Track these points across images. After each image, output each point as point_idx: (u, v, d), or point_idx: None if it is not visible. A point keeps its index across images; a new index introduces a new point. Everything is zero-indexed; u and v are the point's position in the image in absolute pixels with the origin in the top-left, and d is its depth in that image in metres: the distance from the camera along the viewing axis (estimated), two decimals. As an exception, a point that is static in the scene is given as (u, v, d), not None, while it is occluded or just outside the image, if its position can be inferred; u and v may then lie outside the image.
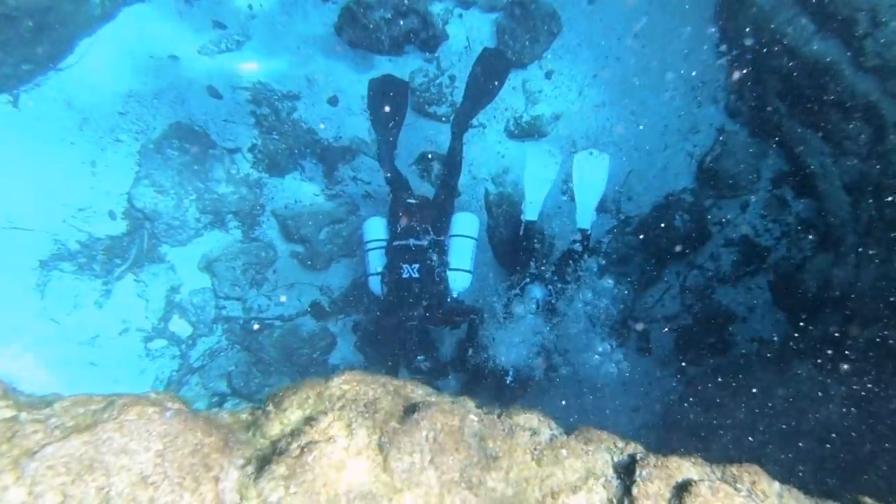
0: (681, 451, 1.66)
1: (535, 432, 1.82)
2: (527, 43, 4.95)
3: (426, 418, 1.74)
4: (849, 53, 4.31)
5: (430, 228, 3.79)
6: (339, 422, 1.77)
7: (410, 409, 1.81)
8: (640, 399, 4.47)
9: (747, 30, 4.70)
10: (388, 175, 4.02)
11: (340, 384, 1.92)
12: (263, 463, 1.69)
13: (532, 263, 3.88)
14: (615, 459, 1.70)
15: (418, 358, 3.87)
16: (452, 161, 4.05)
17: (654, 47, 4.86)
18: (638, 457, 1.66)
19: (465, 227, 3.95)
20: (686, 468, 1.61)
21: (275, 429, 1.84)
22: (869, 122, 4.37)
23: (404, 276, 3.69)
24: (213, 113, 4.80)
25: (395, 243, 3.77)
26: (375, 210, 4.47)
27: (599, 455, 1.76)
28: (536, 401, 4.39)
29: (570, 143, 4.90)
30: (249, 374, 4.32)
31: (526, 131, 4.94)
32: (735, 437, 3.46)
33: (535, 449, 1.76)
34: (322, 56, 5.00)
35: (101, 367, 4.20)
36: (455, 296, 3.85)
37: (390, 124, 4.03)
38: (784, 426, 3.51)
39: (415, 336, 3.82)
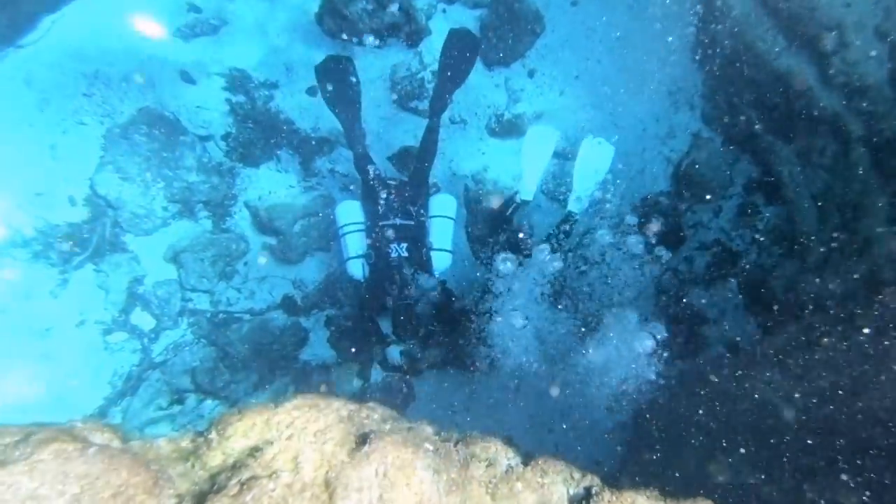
0: (637, 483, 1.55)
1: (491, 462, 1.58)
2: (510, 41, 4.63)
3: (377, 451, 1.44)
4: (817, 70, 4.19)
5: (412, 208, 3.58)
6: (285, 454, 1.46)
7: (362, 439, 1.50)
8: (613, 400, 4.22)
9: (723, 40, 4.50)
10: (359, 156, 3.74)
11: (290, 410, 1.61)
12: (199, 500, 1.36)
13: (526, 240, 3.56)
14: (570, 492, 1.55)
15: (422, 338, 3.63)
16: (427, 140, 3.79)
17: (633, 52, 4.59)
18: (593, 490, 1.52)
19: (444, 208, 3.74)
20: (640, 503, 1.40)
21: (216, 459, 1.52)
22: (835, 136, 4.24)
23: (392, 255, 3.47)
24: (184, 99, 4.33)
25: (381, 223, 3.54)
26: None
27: (555, 488, 1.54)
28: (508, 398, 4.09)
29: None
30: (215, 371, 3.90)
31: (507, 129, 4.63)
32: (698, 452, 3.22)
33: (490, 482, 1.51)
34: (302, 45, 4.57)
35: (54, 360, 3.73)
36: (437, 276, 3.65)
37: (346, 104, 3.75)
38: (744, 435, 3.28)
39: (412, 315, 3.60)
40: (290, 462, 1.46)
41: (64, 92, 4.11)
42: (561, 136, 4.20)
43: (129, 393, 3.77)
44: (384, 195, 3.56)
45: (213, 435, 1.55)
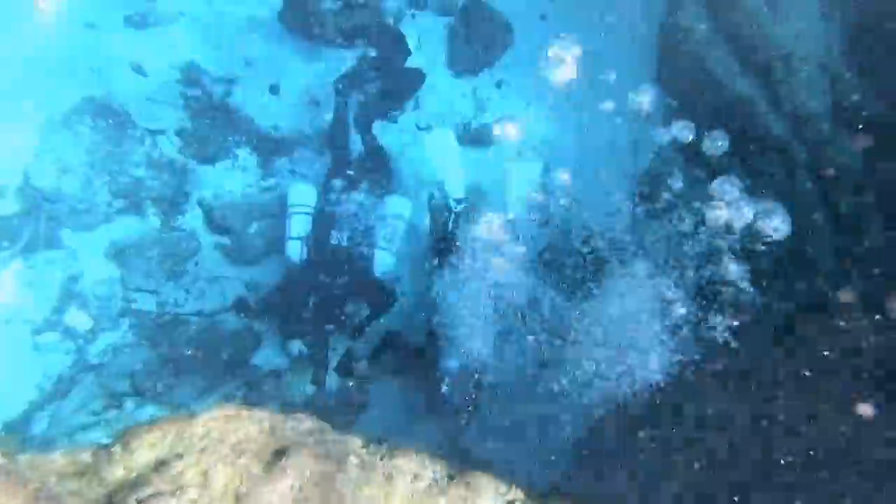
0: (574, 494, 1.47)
1: (416, 477, 1.55)
2: (479, 50, 4.67)
3: (294, 465, 1.39)
4: (768, 96, 4.40)
5: (364, 200, 3.58)
6: (195, 468, 1.39)
7: (281, 451, 1.44)
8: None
9: (684, 63, 4.68)
10: (336, 134, 3.74)
11: (208, 420, 1.53)
12: (92, 522, 1.27)
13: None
14: (494, 507, 1.50)
15: (328, 327, 3.55)
16: (372, 148, 3.84)
17: (600, 67, 4.72)
18: (517, 504, 1.38)
19: (397, 209, 3.71)
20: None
21: (116, 475, 1.42)
22: (783, 162, 4.45)
23: (332, 241, 3.43)
24: (135, 90, 4.13)
25: (327, 208, 3.48)
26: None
27: (479, 502, 1.50)
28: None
29: (516, 153, 4.67)
30: (157, 374, 3.70)
31: (474, 138, 4.65)
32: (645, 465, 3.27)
33: (412, 496, 1.47)
34: (262, 41, 4.46)
35: (-27, 361, 3.44)
36: (378, 274, 3.58)
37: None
38: (682, 457, 3.33)
39: (336, 303, 3.51)
40: (199, 476, 1.39)
41: (-1, 75, 3.87)
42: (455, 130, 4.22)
43: (59, 396, 3.54)
44: (341, 182, 3.53)
45: (117, 447, 1.45)
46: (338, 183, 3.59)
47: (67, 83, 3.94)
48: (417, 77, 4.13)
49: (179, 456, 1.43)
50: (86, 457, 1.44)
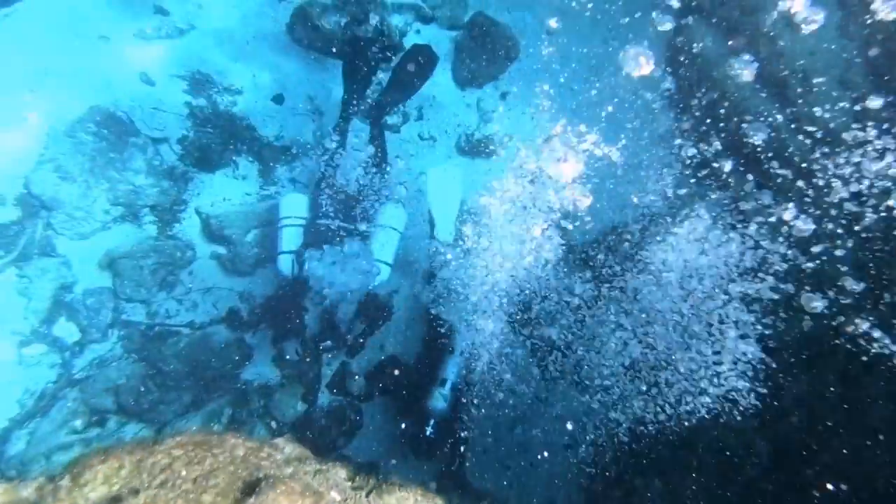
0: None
1: (408, 517, 1.35)
2: (484, 63, 4.60)
3: (265, 503, 1.20)
4: (785, 114, 4.24)
5: (357, 212, 3.45)
6: (151, 506, 1.20)
7: (250, 487, 1.27)
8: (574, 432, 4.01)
9: (693, 77, 4.56)
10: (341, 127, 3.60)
11: (171, 449, 1.36)
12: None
13: None
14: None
15: (325, 344, 3.35)
16: (376, 148, 3.69)
17: (606, 80, 4.62)
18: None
19: (392, 219, 3.55)
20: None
21: (63, 514, 1.24)
22: (801, 177, 4.27)
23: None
24: (141, 100, 4.10)
25: (318, 222, 3.34)
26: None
27: None
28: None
29: (519, 164, 4.54)
30: (143, 389, 3.54)
31: (477, 148, 4.55)
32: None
33: None
34: (270, 53, 4.44)
35: (-45, 373, 3.31)
36: (372, 287, 3.42)
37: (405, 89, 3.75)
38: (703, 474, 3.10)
39: (325, 318, 3.32)
40: (154, 517, 1.22)
41: (6, 84, 3.83)
42: (462, 168, 4.10)
43: (40, 414, 3.38)
44: (333, 194, 3.41)
45: (65, 481, 1.26)
46: (331, 143, 3.45)
47: (75, 93, 3.92)
48: (430, 56, 3.89)
49: (135, 492, 1.25)
50: (29, 492, 1.27)
